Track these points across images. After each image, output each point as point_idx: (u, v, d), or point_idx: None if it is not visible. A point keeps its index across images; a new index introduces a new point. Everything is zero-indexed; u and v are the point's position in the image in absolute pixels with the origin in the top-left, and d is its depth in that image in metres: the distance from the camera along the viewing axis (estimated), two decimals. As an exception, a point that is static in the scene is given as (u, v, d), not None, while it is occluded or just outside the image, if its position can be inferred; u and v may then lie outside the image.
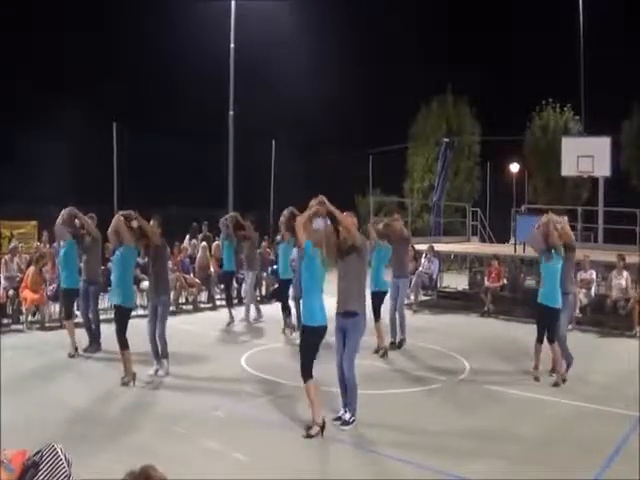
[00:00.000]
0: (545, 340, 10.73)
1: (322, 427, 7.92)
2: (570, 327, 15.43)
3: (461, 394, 10.18)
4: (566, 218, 11.97)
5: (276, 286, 19.73)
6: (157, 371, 10.61)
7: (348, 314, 8.26)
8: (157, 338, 10.58)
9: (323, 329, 7.92)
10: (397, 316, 13.36)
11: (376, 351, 12.39)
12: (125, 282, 10.39)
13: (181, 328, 14.86)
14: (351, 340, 8.28)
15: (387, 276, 13.09)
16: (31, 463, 3.36)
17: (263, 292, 19.66)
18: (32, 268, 14.72)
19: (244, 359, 11.93)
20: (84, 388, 10.01)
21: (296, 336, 13.90)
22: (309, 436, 7.83)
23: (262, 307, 16.80)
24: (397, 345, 13.23)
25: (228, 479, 6.60)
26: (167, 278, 11.31)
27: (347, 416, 8.33)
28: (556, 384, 10.53)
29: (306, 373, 7.89)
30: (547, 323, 10.69)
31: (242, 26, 26.41)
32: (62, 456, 3.42)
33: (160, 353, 10.62)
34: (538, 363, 11.01)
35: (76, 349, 11.88)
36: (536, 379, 10.83)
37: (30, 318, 14.72)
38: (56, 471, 3.34)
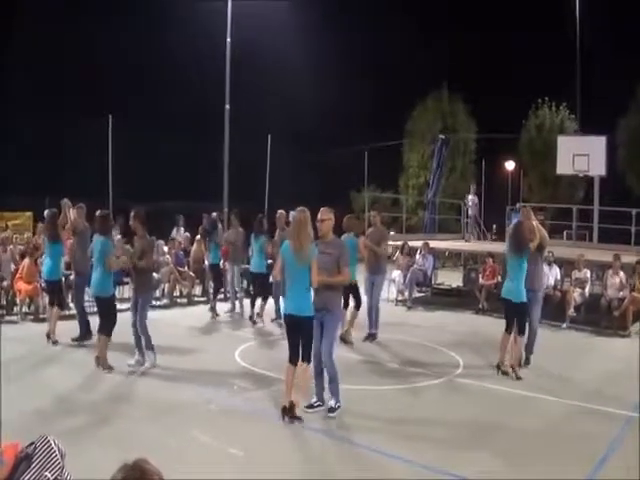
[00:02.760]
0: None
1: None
2: (564, 326, 15.53)
3: (454, 391, 10.18)
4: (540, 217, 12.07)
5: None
6: (138, 362, 10.62)
7: (327, 309, 8.52)
8: (138, 329, 10.61)
9: None
10: (373, 311, 13.57)
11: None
12: (99, 272, 10.54)
13: (175, 321, 14.85)
14: (329, 331, 8.55)
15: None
16: (24, 455, 3.35)
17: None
18: (27, 260, 14.69)
19: (238, 353, 11.93)
20: (77, 379, 9.99)
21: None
22: (297, 418, 8.13)
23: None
24: (367, 337, 13.42)
25: (221, 472, 6.60)
26: (150, 271, 11.32)
27: (333, 402, 8.56)
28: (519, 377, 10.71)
29: (309, 356, 8.31)
30: (514, 317, 10.91)
31: (239, 21, 26.31)
32: (55, 448, 3.41)
33: (144, 345, 10.63)
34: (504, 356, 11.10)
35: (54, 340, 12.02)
36: (505, 373, 10.89)
37: (24, 309, 14.70)
38: (49, 463, 3.33)
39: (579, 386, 10.53)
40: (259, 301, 15.12)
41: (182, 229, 21.12)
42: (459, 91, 38.09)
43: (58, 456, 3.38)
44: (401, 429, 8.24)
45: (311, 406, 8.64)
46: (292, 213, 8.36)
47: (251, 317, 15.02)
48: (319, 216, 8.69)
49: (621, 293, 15.49)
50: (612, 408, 9.26)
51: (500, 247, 20.97)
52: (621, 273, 15.75)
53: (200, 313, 16.41)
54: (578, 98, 33.39)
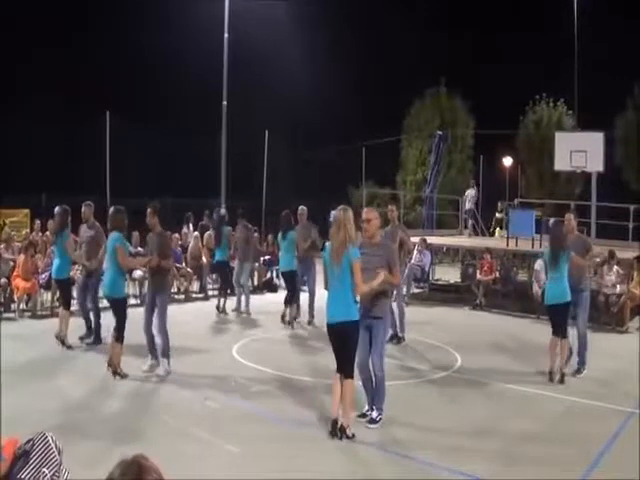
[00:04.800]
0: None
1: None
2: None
3: (453, 387, 10.18)
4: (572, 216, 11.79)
5: (268, 276, 20.02)
6: (152, 367, 10.36)
7: (377, 316, 8.25)
8: (156, 333, 10.35)
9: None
10: (396, 312, 13.13)
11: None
12: (112, 272, 10.25)
13: (173, 318, 14.79)
14: (380, 339, 8.28)
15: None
16: (22, 452, 3.36)
17: (255, 282, 19.67)
18: (22, 256, 14.67)
19: (235, 349, 11.93)
20: (76, 378, 9.99)
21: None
22: (349, 437, 7.68)
23: (253, 297, 16.77)
24: (396, 341, 13.12)
25: (218, 469, 6.62)
26: (168, 270, 10.97)
27: (375, 414, 8.31)
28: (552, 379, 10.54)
29: (352, 369, 7.86)
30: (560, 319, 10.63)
31: (237, 17, 26.32)
32: (53, 444, 3.42)
33: (161, 350, 10.33)
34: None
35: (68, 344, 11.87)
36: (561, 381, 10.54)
37: (22, 306, 14.68)
38: (47, 459, 3.33)
39: (578, 382, 10.53)
40: (294, 302, 14.81)
41: (192, 226, 21.20)
42: (457, 87, 38.11)
43: (55, 453, 3.39)
44: (399, 425, 8.25)
45: (364, 415, 8.39)
46: (333, 213, 8.04)
47: (288, 321, 14.59)
48: (364, 216, 8.29)
49: (619, 289, 15.51)
50: (612, 404, 9.27)
51: (497, 243, 21.07)
52: (616, 268, 15.76)
53: (198, 309, 16.44)
54: (576, 94, 33.43)
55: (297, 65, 33.96)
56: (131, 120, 24.56)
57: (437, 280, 21.34)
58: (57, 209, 12.16)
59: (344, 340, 7.75)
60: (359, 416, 8.27)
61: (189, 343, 12.37)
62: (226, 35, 26.22)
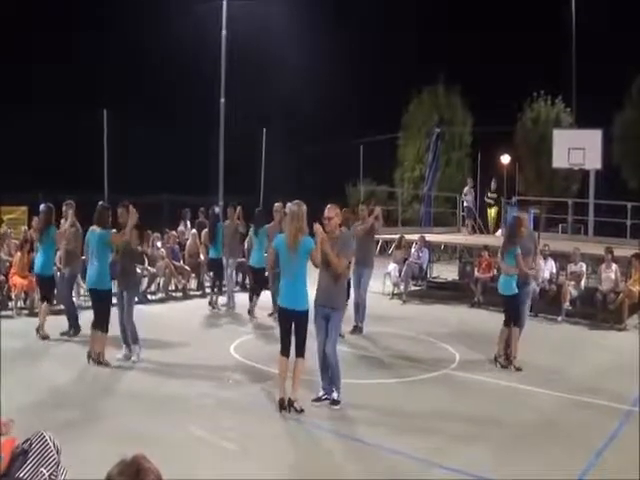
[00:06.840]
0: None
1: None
2: (560, 319, 15.56)
3: (451, 384, 10.18)
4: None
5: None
6: (125, 355, 10.59)
7: (333, 307, 8.63)
8: (125, 323, 10.54)
9: None
10: (359, 304, 13.58)
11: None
12: (96, 265, 10.44)
13: (171, 315, 14.83)
14: (335, 327, 8.68)
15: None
16: (20, 451, 3.34)
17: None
18: (18, 254, 14.66)
19: (233, 346, 11.90)
20: (72, 373, 9.96)
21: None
22: (297, 410, 8.23)
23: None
24: (354, 330, 13.44)
25: (216, 466, 6.61)
26: (134, 265, 11.12)
27: (335, 395, 8.65)
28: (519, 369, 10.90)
29: (304, 350, 8.42)
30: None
31: (234, 14, 26.30)
32: (51, 444, 3.40)
33: (130, 338, 10.59)
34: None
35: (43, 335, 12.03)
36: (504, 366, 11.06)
37: (20, 304, 14.66)
38: (45, 459, 3.32)
39: (575, 379, 10.53)
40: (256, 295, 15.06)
41: (189, 223, 21.18)
42: (455, 84, 38.04)
43: (54, 452, 3.38)
44: (397, 422, 8.23)
45: (318, 399, 8.71)
46: (289, 205, 8.34)
47: (250, 311, 14.95)
48: (326, 213, 8.63)
49: (618, 286, 15.50)
50: (608, 402, 9.27)
51: (496, 241, 21.07)
52: (614, 266, 15.76)
53: (195, 307, 16.39)
54: (574, 92, 33.42)
55: (295, 62, 33.92)
56: (129, 117, 24.51)
57: (435, 278, 21.33)
58: (42, 207, 12.52)
59: (295, 326, 8.35)
60: (313, 400, 8.67)
61: (186, 339, 12.36)
62: (224, 32, 26.19)
